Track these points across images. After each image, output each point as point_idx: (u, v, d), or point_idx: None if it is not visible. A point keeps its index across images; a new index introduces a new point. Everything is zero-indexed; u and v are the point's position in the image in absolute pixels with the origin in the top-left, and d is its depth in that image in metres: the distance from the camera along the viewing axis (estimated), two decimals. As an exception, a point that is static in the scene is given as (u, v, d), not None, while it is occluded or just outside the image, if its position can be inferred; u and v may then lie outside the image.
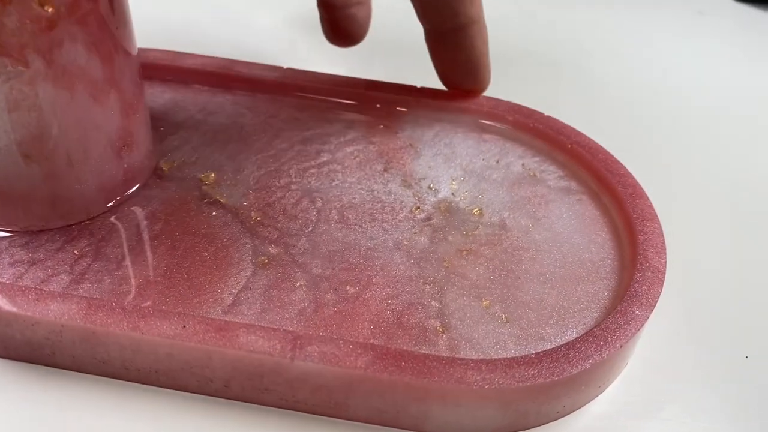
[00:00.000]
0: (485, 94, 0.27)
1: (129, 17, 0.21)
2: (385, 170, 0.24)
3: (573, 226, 0.23)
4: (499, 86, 0.27)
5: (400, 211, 0.23)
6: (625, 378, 0.20)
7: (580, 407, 0.19)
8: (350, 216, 0.23)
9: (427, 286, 0.21)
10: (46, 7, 0.17)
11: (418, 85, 0.27)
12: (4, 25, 0.17)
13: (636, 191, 0.23)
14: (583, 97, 0.31)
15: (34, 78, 0.18)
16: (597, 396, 0.20)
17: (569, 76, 0.33)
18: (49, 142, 0.19)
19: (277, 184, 0.24)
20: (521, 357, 0.18)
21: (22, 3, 0.17)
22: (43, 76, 0.18)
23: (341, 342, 0.18)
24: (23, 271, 0.20)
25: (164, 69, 0.27)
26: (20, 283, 0.19)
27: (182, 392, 0.19)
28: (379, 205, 0.23)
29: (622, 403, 0.20)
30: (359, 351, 0.18)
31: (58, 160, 0.20)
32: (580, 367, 0.18)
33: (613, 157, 0.24)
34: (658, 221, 0.22)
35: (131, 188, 0.23)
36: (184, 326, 0.18)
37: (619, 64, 0.34)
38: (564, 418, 0.19)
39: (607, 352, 0.18)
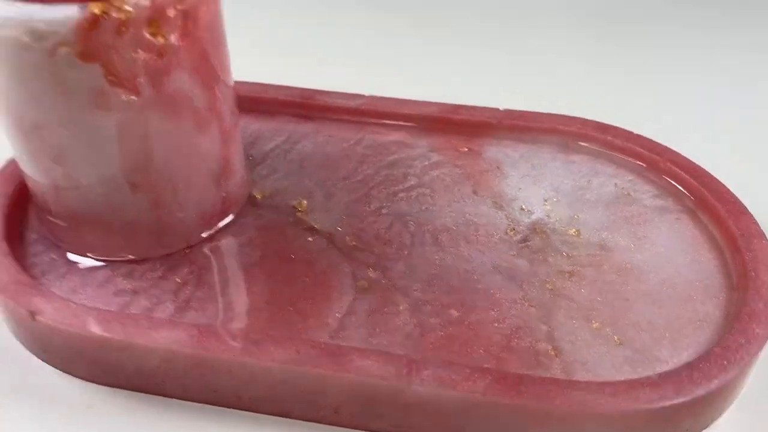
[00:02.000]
0: (567, 113, 0.26)
1: (227, 49, 0.21)
2: (474, 192, 0.24)
3: (674, 245, 0.22)
4: (583, 105, 0.27)
5: (495, 233, 0.23)
6: (741, 402, 0.19)
7: (701, 430, 0.19)
8: (444, 239, 0.23)
9: (533, 309, 0.20)
10: (157, 37, 0.18)
11: (501, 108, 0.27)
12: (119, 56, 0.17)
13: (737, 207, 0.22)
14: (672, 112, 0.31)
15: (144, 107, 0.18)
16: (716, 420, 0.19)
17: (656, 91, 0.32)
18: (156, 171, 0.20)
19: (368, 209, 0.24)
20: (644, 378, 0.17)
21: (135, 34, 0.17)
22: (153, 105, 0.19)
23: (458, 366, 0.18)
24: (129, 300, 0.20)
25: (251, 100, 0.27)
26: (128, 312, 0.20)
27: (290, 419, 0.19)
28: (473, 227, 0.23)
29: (742, 428, 0.19)
30: (476, 375, 0.17)
31: (163, 188, 0.20)
32: (705, 388, 0.17)
33: (709, 173, 0.24)
34: (766, 237, 0.21)
35: (228, 216, 0.23)
36: (298, 351, 0.18)
37: (707, 77, 0.33)
38: (685, 442, 0.18)
39: (732, 372, 0.18)
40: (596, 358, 0.19)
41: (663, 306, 0.20)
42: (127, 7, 0.17)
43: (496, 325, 0.20)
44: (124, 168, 0.19)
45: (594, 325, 0.20)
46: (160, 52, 0.18)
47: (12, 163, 0.24)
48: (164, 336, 0.18)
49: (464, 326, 0.20)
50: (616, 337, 0.19)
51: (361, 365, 0.18)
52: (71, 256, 0.22)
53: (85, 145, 0.19)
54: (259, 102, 0.27)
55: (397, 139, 0.27)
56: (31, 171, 0.20)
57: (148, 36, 0.17)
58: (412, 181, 0.25)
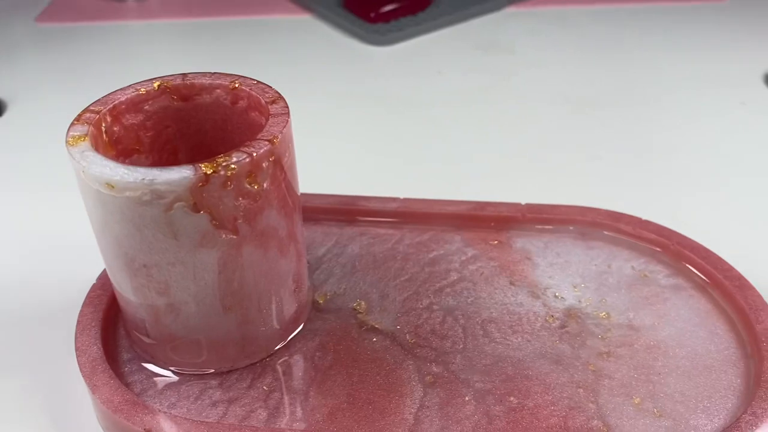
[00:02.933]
0: (583, 204, 0.30)
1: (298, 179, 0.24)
2: (511, 283, 0.27)
3: (692, 319, 0.26)
4: (594, 194, 0.30)
5: (536, 321, 0.26)
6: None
7: (738, 489, 0.22)
8: (492, 330, 0.25)
9: (581, 390, 0.23)
10: (253, 185, 0.21)
11: (523, 202, 0.30)
12: (223, 205, 0.20)
13: (743, 283, 0.26)
14: (676, 197, 0.34)
15: (241, 243, 0.21)
16: (751, 477, 0.22)
17: (659, 178, 0.36)
18: (246, 293, 0.22)
19: (420, 306, 0.27)
20: (689, 449, 0.20)
21: (237, 185, 0.20)
22: (247, 240, 0.21)
23: (529, 450, 0.20)
24: (225, 409, 0.23)
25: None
26: (226, 422, 0.22)
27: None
28: (516, 317, 0.26)
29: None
30: (547, 457, 0.20)
31: (251, 307, 0.23)
32: (742, 453, 0.20)
33: (715, 253, 0.27)
34: (771, 310, 0.25)
35: (300, 324, 0.25)
36: (389, 448, 0.21)
37: (695, 158, 0.37)
38: (726, 500, 0.21)
39: (764, 429, 0.21)
40: (641, 430, 0.22)
41: (691, 377, 0.23)
42: (233, 165, 0.20)
43: (552, 408, 0.23)
44: (220, 294, 0.22)
45: (635, 401, 0.23)
46: (255, 197, 0.21)
47: (97, 288, 0.26)
48: (269, 443, 0.21)
49: (525, 411, 0.22)
50: (655, 410, 0.22)
51: (446, 456, 0.20)
52: (163, 372, 0.24)
53: (189, 278, 0.21)
54: (305, 210, 0.30)
55: (434, 236, 0.30)
56: (133, 300, 0.23)
57: (246, 185, 0.20)
58: (454, 276, 0.28)
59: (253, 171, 0.20)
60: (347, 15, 0.52)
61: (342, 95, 0.44)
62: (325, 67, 0.47)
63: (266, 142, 0.21)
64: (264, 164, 0.21)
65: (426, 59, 0.48)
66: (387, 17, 0.51)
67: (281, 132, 0.21)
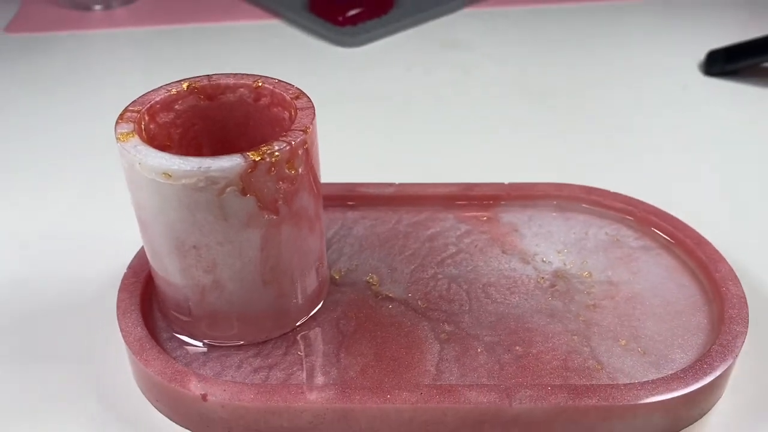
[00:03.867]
0: (560, 181, 0.34)
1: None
2: (503, 252, 0.31)
3: (661, 274, 0.30)
4: (569, 170, 0.34)
5: (529, 283, 0.29)
6: (734, 382, 0.27)
7: (710, 409, 0.26)
8: (493, 292, 0.29)
9: (575, 337, 0.27)
10: (291, 170, 0.23)
11: (506, 182, 0.34)
12: (267, 188, 0.23)
13: (701, 240, 0.30)
14: (638, 171, 0.39)
15: (281, 222, 0.24)
16: (719, 399, 0.26)
17: (623, 153, 0.40)
18: (282, 268, 0.25)
19: (426, 276, 0.30)
20: (671, 375, 0.24)
21: (279, 171, 0.23)
22: (286, 220, 0.24)
23: (540, 386, 0.24)
24: (267, 374, 0.25)
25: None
26: (271, 383, 0.25)
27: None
28: (511, 280, 0.29)
29: (741, 401, 0.26)
30: (556, 390, 0.24)
31: (286, 281, 0.26)
32: (715, 374, 0.24)
33: (675, 217, 0.31)
34: (727, 261, 0.29)
35: (323, 297, 0.28)
36: (421, 393, 0.24)
37: (649, 136, 0.42)
38: (701, 419, 0.25)
39: (731, 359, 0.25)
40: (630, 366, 0.26)
41: (665, 321, 0.27)
42: (276, 153, 0.23)
43: (552, 353, 0.26)
44: (261, 269, 0.25)
45: (622, 342, 0.27)
46: (293, 181, 0.24)
47: (129, 276, 0.28)
48: (315, 397, 0.24)
49: (530, 357, 0.26)
50: (639, 349, 0.26)
51: (470, 396, 0.24)
52: (203, 348, 0.26)
53: (235, 256, 0.24)
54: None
55: (429, 216, 0.33)
56: (177, 280, 0.25)
57: (286, 170, 0.23)
58: (453, 249, 0.31)
59: (291, 158, 0.23)
60: (315, 19, 0.55)
61: (319, 93, 0.47)
62: (298, 68, 0.50)
63: (300, 132, 0.24)
64: (300, 151, 0.23)
65: (394, 58, 0.52)
66: (354, 20, 0.54)
67: (311, 123, 0.24)
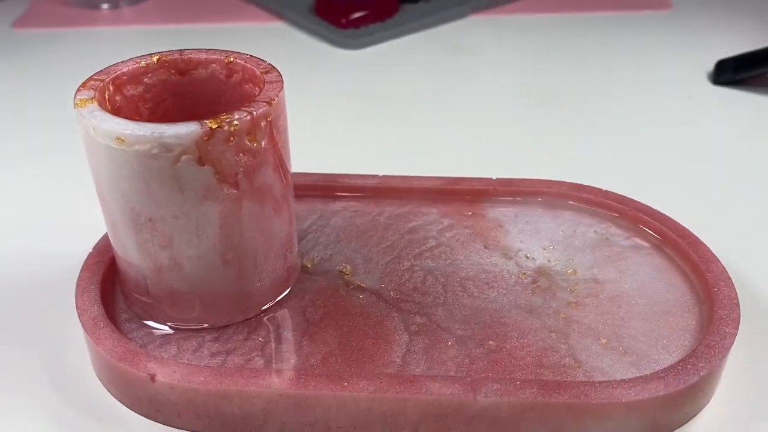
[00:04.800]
0: (547, 177, 0.32)
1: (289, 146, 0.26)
2: (485, 247, 0.30)
3: (650, 273, 0.28)
4: (559, 168, 0.33)
5: (510, 278, 0.28)
6: (724, 386, 0.25)
7: (695, 414, 0.24)
8: (470, 286, 0.27)
9: (553, 334, 0.25)
10: (253, 143, 0.22)
11: (494, 177, 0.32)
12: (225, 159, 0.22)
13: (694, 240, 0.28)
14: (630, 169, 0.37)
15: (241, 197, 0.23)
16: (707, 403, 0.24)
17: (615, 153, 0.39)
18: (243, 248, 0.24)
19: (402, 267, 0.28)
20: (652, 374, 0.23)
21: (239, 141, 0.22)
22: (247, 196, 0.23)
23: (509, 380, 0.22)
24: (224, 359, 0.24)
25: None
26: (230, 367, 0.23)
27: (373, 443, 0.23)
28: (491, 275, 0.28)
29: (730, 406, 0.24)
30: (525, 385, 0.22)
31: (248, 262, 0.24)
32: (697, 375, 0.22)
33: (667, 216, 0.30)
34: (720, 261, 0.27)
35: (290, 284, 0.27)
36: (381, 382, 0.22)
37: (646, 138, 0.40)
38: (685, 425, 0.23)
39: (715, 362, 0.23)
40: (609, 365, 0.24)
41: (651, 321, 0.26)
42: (235, 122, 0.22)
43: (527, 349, 0.25)
44: (221, 247, 0.24)
45: (602, 341, 0.25)
46: (254, 154, 0.23)
47: (93, 256, 0.27)
48: (269, 382, 0.22)
49: (503, 353, 0.24)
50: (621, 348, 0.25)
51: (434, 387, 0.22)
52: (162, 329, 0.25)
53: (192, 232, 0.23)
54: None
55: (411, 209, 0.32)
56: (134, 258, 0.24)
57: (247, 142, 0.22)
58: (432, 242, 0.30)
59: (252, 129, 0.22)
60: (319, 21, 0.55)
61: (320, 92, 0.46)
62: (301, 68, 0.49)
63: (264, 104, 0.23)
64: (262, 123, 0.22)
65: (397, 60, 0.51)
66: (357, 23, 0.54)
67: (277, 95, 0.23)
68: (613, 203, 0.31)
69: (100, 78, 0.24)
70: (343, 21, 0.54)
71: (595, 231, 0.30)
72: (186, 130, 0.21)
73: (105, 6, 0.59)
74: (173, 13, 0.60)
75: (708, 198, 0.35)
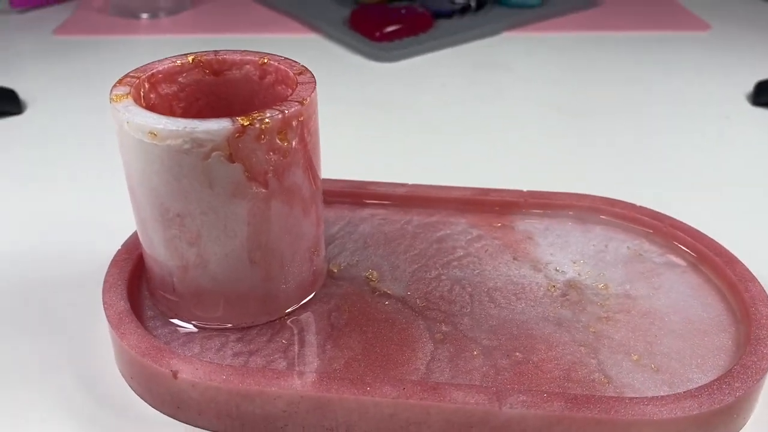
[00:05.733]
0: (579, 191, 0.32)
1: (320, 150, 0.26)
2: (514, 259, 0.29)
3: (684, 291, 0.27)
4: (591, 181, 0.32)
5: (538, 291, 0.27)
6: (762, 410, 0.24)
7: (731, 438, 0.23)
8: (498, 297, 0.27)
9: (582, 348, 0.25)
10: (283, 142, 0.22)
11: (524, 189, 0.32)
12: (256, 157, 0.22)
13: (731, 258, 0.28)
14: (666, 184, 0.36)
15: (270, 196, 0.23)
16: (743, 427, 0.23)
17: (650, 167, 0.38)
18: (270, 248, 0.24)
19: (429, 276, 0.28)
20: (685, 392, 0.22)
21: (269, 140, 0.22)
22: (276, 195, 0.23)
23: (535, 392, 0.22)
24: (246, 359, 0.24)
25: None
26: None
27: (394, 451, 0.22)
28: (519, 286, 0.27)
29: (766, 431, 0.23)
30: (553, 397, 0.21)
31: (274, 263, 0.24)
32: (732, 396, 0.22)
33: (704, 233, 0.29)
34: (758, 281, 0.26)
35: (316, 288, 0.27)
36: (404, 388, 0.22)
37: (682, 156, 0.39)
38: (720, 448, 0.23)
39: (751, 383, 0.22)
40: (640, 382, 0.23)
41: (685, 340, 0.25)
42: (267, 120, 0.22)
43: (555, 362, 0.24)
44: (248, 246, 0.23)
45: (634, 357, 0.24)
46: (285, 153, 0.23)
47: (122, 253, 0.28)
48: (291, 383, 0.22)
49: (530, 365, 0.24)
50: (653, 366, 0.24)
51: (457, 395, 0.22)
52: (186, 328, 0.25)
53: (220, 229, 0.23)
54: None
55: (440, 219, 0.31)
56: (161, 255, 0.24)
57: (278, 141, 0.22)
58: (461, 252, 0.29)
59: (284, 128, 0.22)
60: (353, 34, 0.55)
61: (352, 102, 0.46)
62: (334, 79, 0.50)
63: (296, 103, 0.23)
64: (294, 123, 0.22)
65: (429, 74, 0.51)
66: (390, 37, 0.54)
67: (309, 96, 0.23)
68: (647, 219, 0.30)
69: (136, 75, 0.24)
70: (377, 34, 0.54)
71: (628, 246, 0.30)
72: (217, 126, 0.21)
73: (144, 16, 0.61)
74: (210, 23, 0.61)
75: (745, 217, 0.34)
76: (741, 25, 0.60)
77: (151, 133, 0.21)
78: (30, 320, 0.28)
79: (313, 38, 0.57)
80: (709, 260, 0.28)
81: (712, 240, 0.29)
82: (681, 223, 0.30)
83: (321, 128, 0.25)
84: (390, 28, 0.54)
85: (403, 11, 0.56)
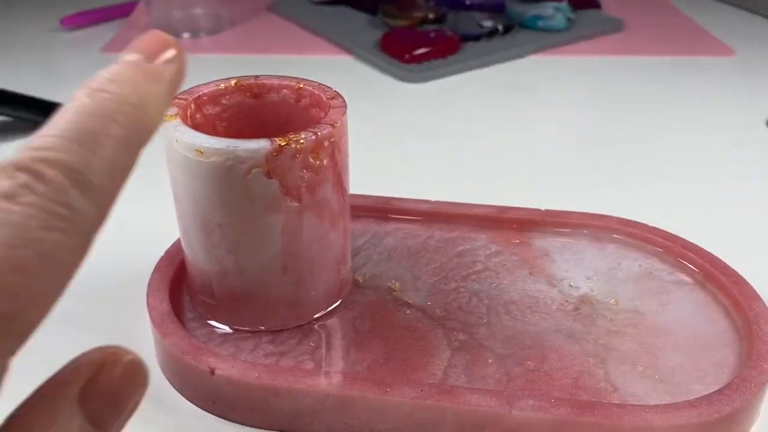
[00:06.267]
0: (595, 211, 0.33)
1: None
2: (531, 274, 0.31)
3: (692, 308, 0.29)
4: (606, 202, 0.34)
5: (552, 304, 0.29)
6: (761, 424, 0.25)
7: (731, 448, 0.24)
8: (513, 309, 0.29)
9: (591, 359, 0.26)
10: (316, 161, 0.25)
11: (543, 208, 0.34)
12: (291, 174, 0.24)
13: (737, 278, 0.29)
14: (678, 206, 0.38)
15: (302, 210, 0.25)
16: (742, 438, 0.24)
17: (663, 190, 0.40)
18: (302, 256, 0.26)
19: (449, 288, 0.30)
20: (684, 402, 0.23)
21: (304, 158, 0.24)
22: (308, 209, 0.25)
23: (544, 397, 0.23)
24: (277, 360, 0.26)
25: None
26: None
27: (411, 449, 0.24)
28: (534, 300, 0.29)
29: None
30: (560, 403, 0.23)
31: (304, 270, 0.26)
32: (731, 406, 0.23)
33: (712, 254, 0.30)
34: (762, 300, 0.28)
35: (342, 295, 0.29)
36: (422, 390, 0.24)
37: (697, 180, 0.41)
38: (719, 457, 0.24)
39: (750, 395, 0.23)
40: (644, 391, 0.25)
41: (690, 354, 0.26)
42: (302, 140, 0.24)
43: (565, 371, 0.26)
44: (282, 255, 0.26)
45: (639, 369, 0.26)
46: (317, 171, 0.25)
47: (164, 260, 0.30)
48: (318, 382, 0.24)
49: (541, 373, 0.26)
50: (657, 377, 0.25)
51: (471, 398, 0.23)
52: (222, 329, 0.27)
53: (257, 238, 0.25)
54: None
55: (461, 234, 0.33)
56: (203, 261, 0.26)
57: (311, 159, 0.24)
58: (479, 266, 0.31)
59: (316, 148, 0.24)
60: (384, 56, 0.57)
61: (382, 121, 0.49)
62: (365, 99, 0.52)
63: (328, 126, 0.25)
64: (325, 143, 0.25)
65: (456, 95, 0.53)
66: (420, 59, 0.56)
67: (340, 119, 0.25)
68: (659, 239, 0.32)
69: (184, 97, 0.27)
70: (407, 56, 0.56)
71: (640, 265, 0.31)
72: (257, 145, 0.23)
73: (186, 35, 0.64)
74: (249, 43, 0.63)
75: (752, 238, 0.35)
76: (765, 50, 0.61)
77: (198, 151, 0.24)
78: (80, 319, 0.30)
79: (346, 59, 0.60)
80: (716, 279, 0.29)
81: (719, 259, 0.30)
82: (690, 243, 0.31)
83: (351, 145, 0.27)
84: (419, 51, 0.56)
85: (432, 35, 0.59)
